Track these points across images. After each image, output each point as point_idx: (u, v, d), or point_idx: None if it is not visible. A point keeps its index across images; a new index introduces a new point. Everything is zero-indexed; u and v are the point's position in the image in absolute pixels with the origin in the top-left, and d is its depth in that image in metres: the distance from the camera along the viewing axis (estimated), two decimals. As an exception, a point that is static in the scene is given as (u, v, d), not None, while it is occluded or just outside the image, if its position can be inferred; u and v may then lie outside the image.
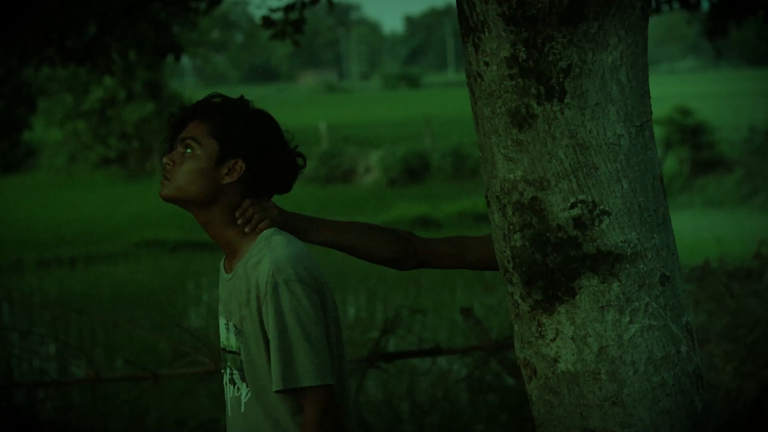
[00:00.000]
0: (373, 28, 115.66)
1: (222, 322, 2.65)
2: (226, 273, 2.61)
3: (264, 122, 2.63)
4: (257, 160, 2.59)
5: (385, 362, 6.13)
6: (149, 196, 24.39)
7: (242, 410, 2.58)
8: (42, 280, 14.44)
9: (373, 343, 6.14)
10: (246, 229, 2.58)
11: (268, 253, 2.51)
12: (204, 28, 33.28)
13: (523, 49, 2.19)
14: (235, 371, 2.60)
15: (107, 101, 30.67)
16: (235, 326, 2.56)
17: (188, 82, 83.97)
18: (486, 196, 2.36)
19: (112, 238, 18.40)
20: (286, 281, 2.47)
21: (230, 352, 2.61)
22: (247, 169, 2.58)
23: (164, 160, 2.62)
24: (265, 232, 2.57)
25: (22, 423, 6.52)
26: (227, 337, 2.62)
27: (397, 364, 6.64)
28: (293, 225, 2.64)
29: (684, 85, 47.24)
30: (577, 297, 2.24)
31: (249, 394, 2.57)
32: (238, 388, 2.59)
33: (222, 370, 2.69)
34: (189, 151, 2.58)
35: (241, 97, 2.68)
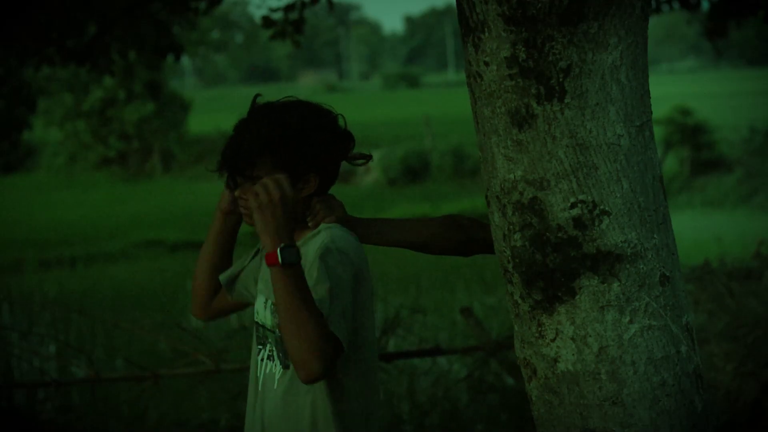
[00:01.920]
0: (373, 28, 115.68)
1: (261, 300, 2.69)
2: None
3: (315, 126, 2.61)
4: (325, 166, 2.62)
5: (385, 362, 6.13)
6: (149, 196, 24.41)
7: (275, 386, 2.61)
8: (42, 280, 14.44)
9: (373, 343, 6.13)
10: (310, 224, 2.63)
11: (325, 235, 2.57)
12: (204, 28, 33.30)
13: (523, 49, 2.19)
14: (273, 348, 2.63)
15: (107, 101, 30.69)
16: (273, 304, 2.58)
17: (188, 82, 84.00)
18: (486, 196, 2.36)
19: (112, 238, 18.41)
20: (337, 248, 2.52)
21: (268, 330, 2.65)
22: (319, 176, 2.61)
23: (237, 194, 2.63)
24: (327, 224, 2.62)
25: (22, 423, 6.51)
26: (264, 315, 2.66)
27: (397, 364, 6.65)
28: (353, 229, 2.68)
29: (684, 85, 47.25)
30: (577, 297, 2.24)
31: (281, 371, 2.60)
32: (275, 365, 2.62)
33: (258, 346, 2.70)
34: None
35: (284, 105, 2.65)
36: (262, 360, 2.67)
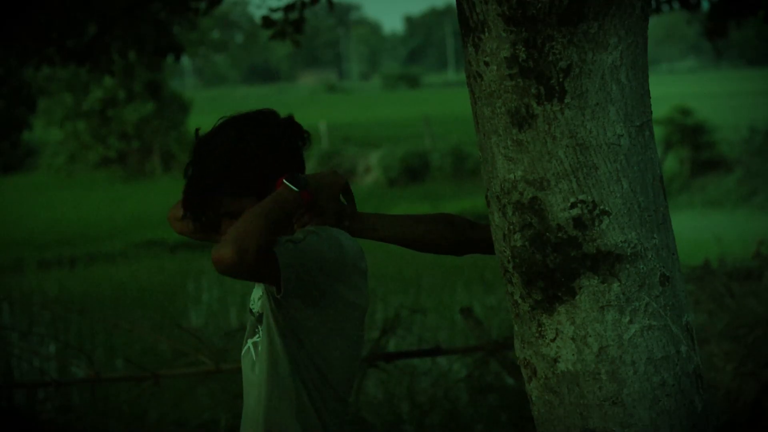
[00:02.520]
0: (373, 28, 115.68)
1: (258, 290, 2.68)
2: None
3: (256, 137, 2.60)
4: (288, 165, 2.60)
5: (385, 362, 6.13)
6: (149, 196, 24.41)
7: (254, 372, 2.60)
8: (42, 280, 14.43)
9: (373, 343, 6.14)
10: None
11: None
12: (204, 28, 33.30)
13: (523, 49, 2.19)
14: (259, 331, 2.62)
15: (107, 101, 30.69)
16: (266, 292, 2.59)
17: (188, 82, 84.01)
18: (486, 196, 2.36)
19: (112, 238, 18.40)
20: (318, 231, 2.51)
21: (257, 316, 2.65)
22: (285, 172, 2.59)
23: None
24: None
25: (22, 423, 6.52)
26: (260, 306, 2.65)
27: (397, 364, 6.64)
28: (350, 228, 2.67)
29: (684, 85, 47.24)
30: (577, 297, 2.24)
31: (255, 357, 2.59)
32: (253, 350, 2.62)
33: (247, 340, 2.70)
34: None
35: (220, 131, 2.65)
36: (248, 351, 2.66)
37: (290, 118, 2.67)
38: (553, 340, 2.28)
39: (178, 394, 7.26)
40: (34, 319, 11.10)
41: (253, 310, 2.68)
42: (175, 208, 2.83)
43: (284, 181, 2.50)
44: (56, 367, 8.03)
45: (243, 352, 2.68)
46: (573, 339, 2.26)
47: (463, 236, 2.78)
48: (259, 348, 2.60)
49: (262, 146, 2.59)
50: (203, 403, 7.49)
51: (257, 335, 2.64)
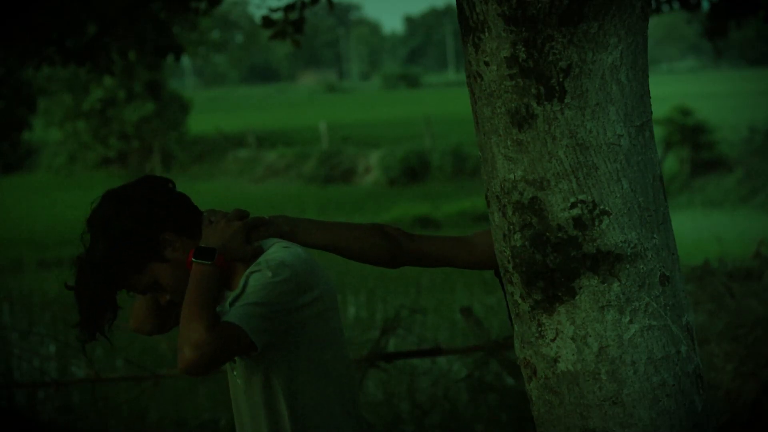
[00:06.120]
0: (373, 28, 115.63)
1: None
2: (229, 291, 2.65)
3: (129, 202, 2.63)
4: (167, 219, 2.62)
5: (385, 362, 6.14)
6: (149, 196, 24.36)
7: (242, 393, 2.64)
8: (42, 280, 14.44)
9: (373, 343, 6.14)
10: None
11: (262, 258, 2.57)
12: (204, 28, 33.28)
13: (523, 49, 2.19)
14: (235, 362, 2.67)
15: (107, 101, 30.71)
16: None
17: (188, 82, 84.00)
18: (486, 196, 2.36)
19: (112, 238, 18.37)
20: (268, 261, 2.53)
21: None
22: (173, 231, 2.61)
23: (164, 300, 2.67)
24: (265, 247, 2.61)
25: (22, 423, 6.52)
26: None
27: (397, 364, 6.65)
28: (279, 230, 2.66)
29: (684, 85, 47.23)
30: (577, 297, 2.24)
31: (242, 381, 2.63)
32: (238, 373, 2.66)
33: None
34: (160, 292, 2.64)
35: (97, 218, 2.66)
36: (232, 370, 2.70)
37: (154, 179, 2.69)
38: (553, 340, 2.28)
39: (178, 394, 7.27)
40: (34, 319, 11.10)
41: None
42: (135, 309, 2.84)
43: (193, 260, 2.53)
44: (56, 367, 8.03)
45: (229, 373, 2.72)
46: (573, 339, 2.26)
47: (394, 247, 2.75)
48: (245, 382, 2.64)
49: (127, 214, 2.60)
50: (203, 403, 7.49)
51: (234, 370, 2.67)
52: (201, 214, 2.68)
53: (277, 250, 2.57)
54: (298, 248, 2.60)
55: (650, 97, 2.29)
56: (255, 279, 2.50)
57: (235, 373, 2.66)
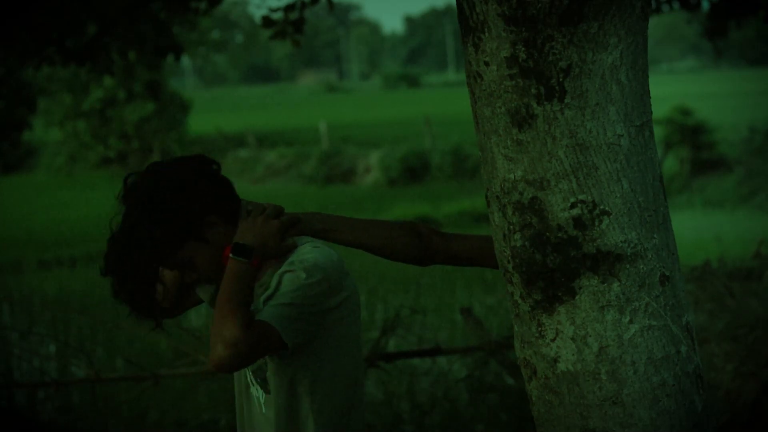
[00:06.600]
0: (373, 28, 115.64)
1: None
2: None
3: (169, 183, 2.60)
4: (210, 201, 2.61)
5: (385, 362, 6.14)
6: (149, 196, 24.36)
7: (262, 410, 2.65)
8: (42, 280, 14.44)
9: (373, 343, 6.14)
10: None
11: (294, 255, 2.57)
12: (204, 28, 33.29)
13: (523, 49, 2.19)
14: (248, 372, 2.66)
15: (107, 101, 30.69)
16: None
17: (188, 82, 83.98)
18: (486, 196, 2.36)
19: (112, 238, 18.37)
20: (301, 261, 2.53)
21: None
22: (217, 215, 2.61)
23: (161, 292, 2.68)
24: (298, 244, 2.61)
25: (22, 423, 6.52)
26: None
27: (397, 364, 6.65)
28: (312, 228, 2.65)
29: (684, 85, 47.24)
30: (577, 297, 2.24)
31: (264, 395, 2.63)
32: (257, 388, 2.65)
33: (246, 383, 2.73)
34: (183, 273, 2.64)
35: (131, 196, 2.62)
36: (250, 382, 2.69)
37: (199, 157, 2.68)
38: (553, 340, 2.28)
39: (178, 394, 7.27)
40: (34, 319, 11.10)
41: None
42: None
43: (231, 256, 2.52)
44: (56, 367, 8.03)
45: (240, 388, 2.70)
46: (573, 339, 2.26)
47: (426, 245, 2.74)
48: (255, 386, 2.65)
49: (176, 190, 2.58)
50: (203, 403, 7.49)
51: (253, 386, 2.66)
52: (240, 201, 2.67)
53: (309, 251, 2.56)
54: (329, 249, 2.60)
55: (650, 97, 2.29)
56: (288, 279, 2.50)
57: (257, 395, 2.65)
